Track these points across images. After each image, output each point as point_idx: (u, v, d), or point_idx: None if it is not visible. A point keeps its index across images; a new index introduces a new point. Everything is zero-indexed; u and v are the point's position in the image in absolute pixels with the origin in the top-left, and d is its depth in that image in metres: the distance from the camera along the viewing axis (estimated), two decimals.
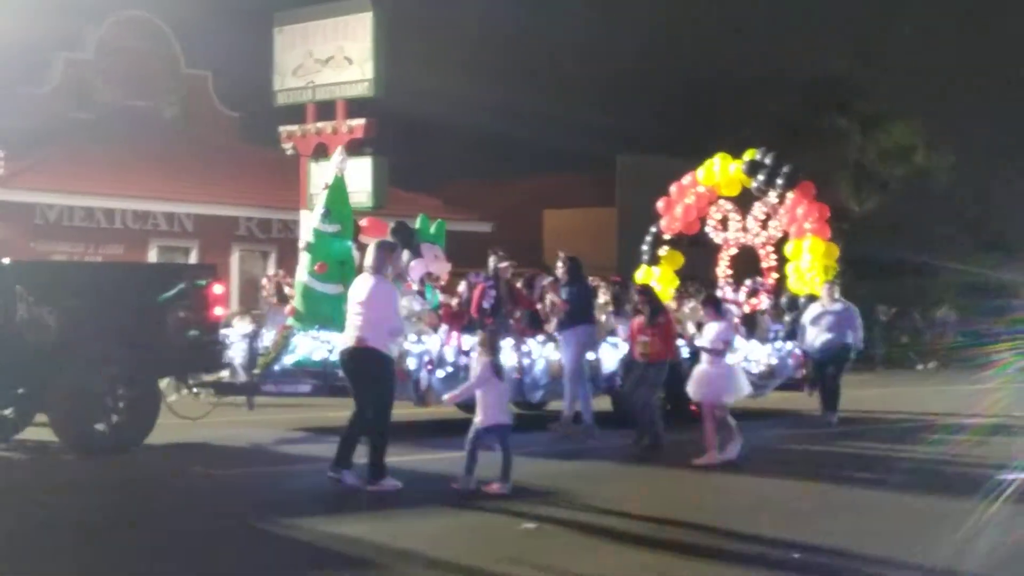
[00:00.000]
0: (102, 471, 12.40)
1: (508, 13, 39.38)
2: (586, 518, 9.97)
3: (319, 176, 24.79)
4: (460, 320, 16.04)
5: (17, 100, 31.50)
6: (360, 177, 23.80)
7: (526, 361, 16.03)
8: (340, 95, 24.19)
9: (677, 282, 20.82)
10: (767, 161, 19.87)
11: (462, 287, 16.90)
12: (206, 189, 30.95)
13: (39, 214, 28.67)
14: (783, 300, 19.74)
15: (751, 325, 19.19)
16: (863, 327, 18.65)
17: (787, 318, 19.42)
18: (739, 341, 17.95)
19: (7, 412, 13.92)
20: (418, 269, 16.17)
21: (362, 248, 17.13)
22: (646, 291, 14.86)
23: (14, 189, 28.05)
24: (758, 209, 20.45)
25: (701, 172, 20.86)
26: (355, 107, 24.09)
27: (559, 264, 16.11)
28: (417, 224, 16.89)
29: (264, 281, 17.45)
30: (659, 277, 20.76)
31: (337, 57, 24.69)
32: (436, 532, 9.42)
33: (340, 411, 15.18)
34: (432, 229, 16.86)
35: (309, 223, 16.10)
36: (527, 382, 16.08)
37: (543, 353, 16.22)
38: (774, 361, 18.67)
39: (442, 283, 16.78)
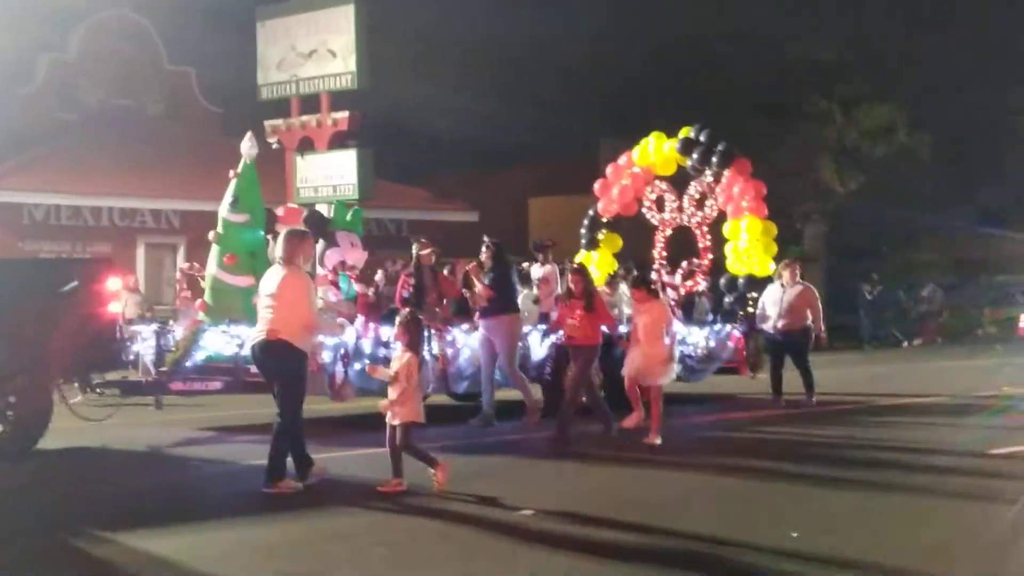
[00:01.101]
0: None
1: (487, 3, 39.13)
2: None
3: (305, 170, 24.65)
4: (377, 311, 14.95)
5: (1, 101, 31.15)
6: (345, 170, 23.48)
7: (449, 351, 15.11)
8: (324, 88, 23.72)
9: (616, 265, 19.76)
10: (702, 139, 18.79)
11: (379, 276, 15.90)
12: (192, 185, 30.58)
13: (26, 214, 28.40)
14: (722, 281, 18.74)
15: (688, 308, 18.29)
16: (822, 308, 17.60)
17: (727, 299, 18.50)
18: (676, 324, 16.85)
19: None
20: (332, 258, 15.18)
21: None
22: (582, 272, 13.93)
23: (1, 190, 28.01)
24: (694, 188, 19.38)
25: (636, 152, 19.88)
26: (339, 100, 23.85)
27: (483, 249, 15.24)
28: (331, 212, 15.97)
29: (177, 274, 16.56)
30: (597, 261, 19.86)
31: (320, 50, 24.28)
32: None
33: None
34: (348, 216, 15.81)
35: (219, 213, 15.03)
36: (451, 373, 15.16)
37: (467, 343, 15.30)
38: (712, 344, 17.75)
39: (357, 272, 15.47)
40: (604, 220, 20.48)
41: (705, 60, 37.67)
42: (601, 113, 36.74)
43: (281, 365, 10.30)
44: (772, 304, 17.33)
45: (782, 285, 17.38)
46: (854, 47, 37.56)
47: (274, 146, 24.32)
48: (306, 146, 23.55)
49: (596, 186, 20.61)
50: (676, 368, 13.73)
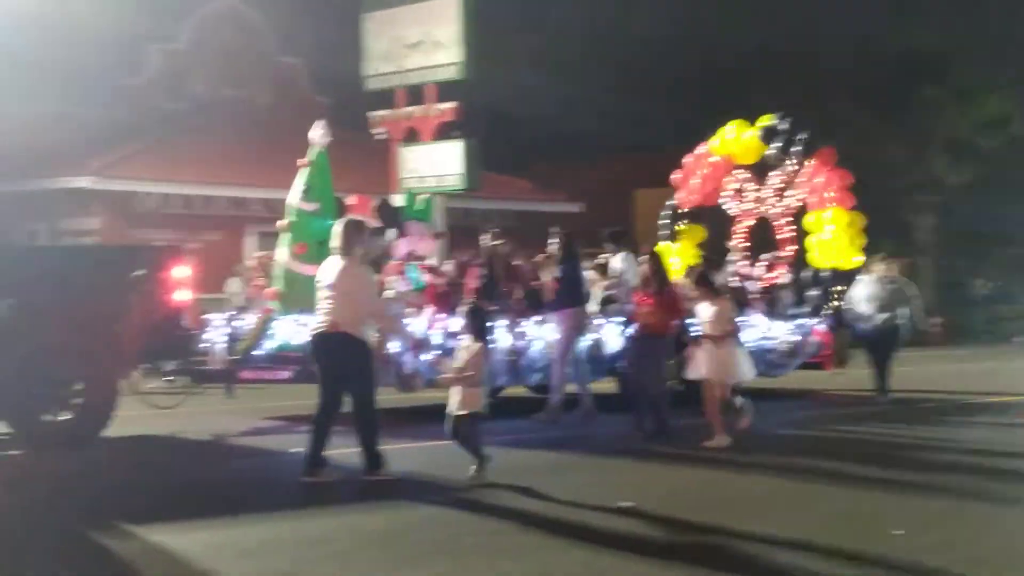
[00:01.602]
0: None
1: None
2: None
3: (410, 161, 24.66)
4: (447, 301, 14.69)
5: (115, 92, 31.54)
6: (452, 161, 23.46)
7: (521, 343, 14.87)
8: (430, 79, 23.77)
9: (699, 257, 19.14)
10: (783, 127, 18.28)
11: (449, 267, 15.63)
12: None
13: (138, 202, 28.74)
14: (806, 275, 18.13)
15: (770, 301, 17.73)
16: (920, 304, 17.23)
17: (812, 293, 17.87)
18: (758, 318, 16.86)
19: None
20: (402, 248, 15.05)
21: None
22: (654, 259, 13.54)
23: (113, 178, 28.31)
24: (775, 178, 18.79)
25: (715, 141, 19.39)
26: (445, 91, 23.80)
27: (554, 241, 14.96)
28: (403, 201, 15.71)
29: (251, 262, 16.32)
30: (678, 252, 19.23)
31: (426, 41, 24.25)
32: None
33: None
34: (419, 206, 15.66)
35: (289, 201, 14.93)
36: (523, 365, 14.94)
37: (539, 334, 15.01)
38: (796, 338, 17.24)
39: (425, 263, 15.36)
40: (684, 211, 19.92)
41: (812, 50, 36.90)
42: (708, 104, 36.24)
43: (346, 358, 10.13)
44: (865, 300, 16.65)
45: (873, 280, 16.69)
46: (967, 35, 36.56)
47: (379, 137, 24.39)
48: (411, 137, 23.54)
49: (675, 176, 20.11)
50: (749, 365, 13.09)
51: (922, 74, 36.22)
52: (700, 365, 12.66)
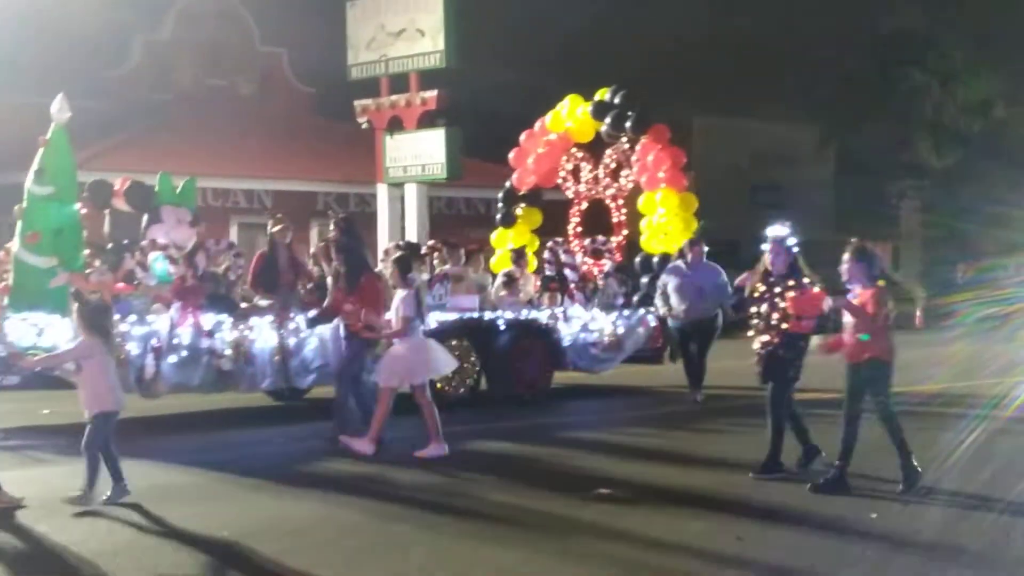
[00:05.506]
0: None
1: None
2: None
3: (394, 149, 24.29)
4: (196, 296, 12.65)
5: (98, 82, 30.12)
6: (434, 149, 23.03)
7: (292, 340, 12.84)
8: (413, 67, 23.22)
9: (536, 243, 17.46)
10: (616, 101, 16.29)
11: (200, 258, 13.38)
12: (284, 165, 30.07)
13: None
14: (636, 261, 16.10)
15: (592, 290, 15.76)
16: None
17: (643, 280, 15.78)
18: (577, 309, 14.88)
19: None
20: (154, 234, 13.09)
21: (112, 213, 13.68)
22: (344, 250, 11.58)
23: (97, 170, 27.83)
24: (609, 157, 16.93)
25: (549, 117, 17.59)
26: (430, 80, 23.47)
27: (331, 227, 12.72)
28: (156, 184, 13.67)
29: (0, 254, 13.70)
30: (514, 238, 17.48)
31: (409, 29, 23.78)
32: None
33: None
34: (178, 190, 13.59)
35: (26, 185, 12.61)
36: (295, 365, 12.90)
37: (316, 331, 12.90)
38: (621, 330, 15.13)
39: (184, 252, 13.33)
40: (521, 193, 18.15)
41: (793, 35, 36.45)
42: (692, 91, 35.79)
43: None
44: (671, 287, 14.34)
45: (683, 267, 14.41)
46: (948, 17, 36.11)
47: (364, 126, 23.99)
48: (395, 125, 23.14)
49: (511, 156, 18.38)
50: (433, 366, 11.02)
51: (904, 58, 35.81)
52: (386, 368, 10.74)
